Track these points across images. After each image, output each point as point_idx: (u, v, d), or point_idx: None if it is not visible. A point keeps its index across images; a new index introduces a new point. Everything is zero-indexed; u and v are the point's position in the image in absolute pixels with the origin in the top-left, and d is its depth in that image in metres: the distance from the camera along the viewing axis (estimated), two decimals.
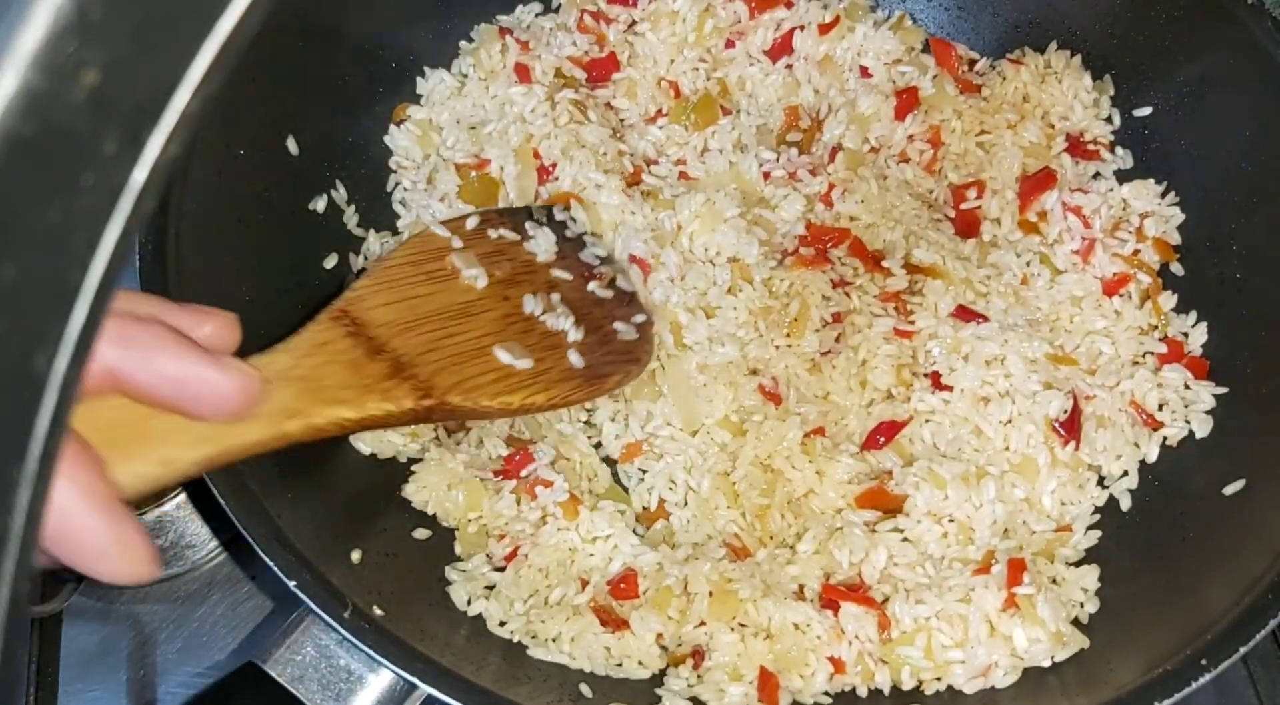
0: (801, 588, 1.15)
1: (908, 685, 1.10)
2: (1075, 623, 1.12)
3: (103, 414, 0.71)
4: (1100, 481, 1.23)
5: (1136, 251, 1.32)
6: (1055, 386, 1.21)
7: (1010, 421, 1.21)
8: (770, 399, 1.25)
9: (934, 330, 1.26)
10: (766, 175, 1.38)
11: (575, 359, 1.19)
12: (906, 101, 1.40)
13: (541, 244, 1.27)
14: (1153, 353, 1.28)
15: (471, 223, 1.26)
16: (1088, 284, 1.31)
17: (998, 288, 1.29)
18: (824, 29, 1.44)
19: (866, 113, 1.40)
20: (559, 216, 1.34)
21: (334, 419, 0.96)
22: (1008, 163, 1.37)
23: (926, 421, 1.24)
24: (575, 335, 1.21)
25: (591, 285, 1.27)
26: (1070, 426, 1.20)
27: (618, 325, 1.25)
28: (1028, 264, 1.32)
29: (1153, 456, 1.23)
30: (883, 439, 1.22)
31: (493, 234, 1.26)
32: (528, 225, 1.29)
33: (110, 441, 0.68)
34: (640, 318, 1.28)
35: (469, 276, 1.19)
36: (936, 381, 1.24)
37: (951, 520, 1.17)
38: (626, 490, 1.24)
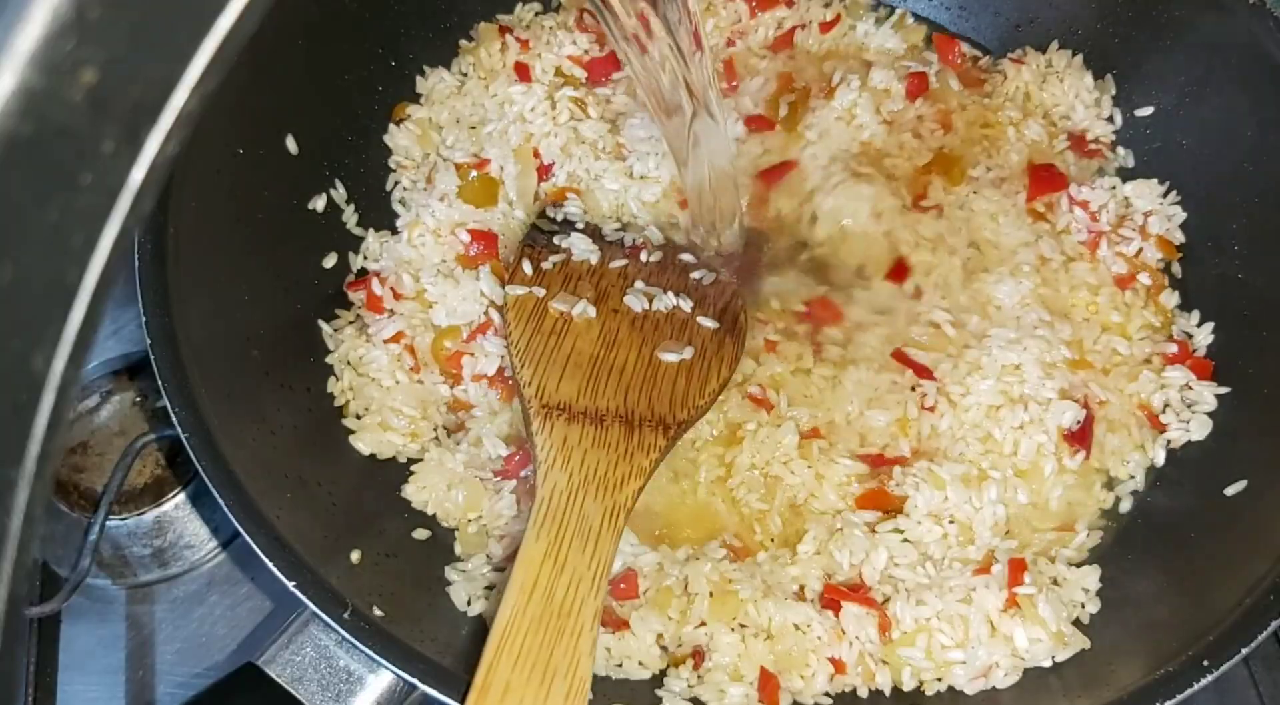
0: (802, 588, 1.15)
1: (908, 686, 1.10)
2: (1076, 623, 1.12)
3: None
4: (1109, 484, 1.23)
5: (1139, 250, 1.32)
6: (1070, 395, 1.20)
7: (1021, 428, 1.20)
8: (760, 405, 1.24)
9: (936, 328, 1.25)
10: None
11: (707, 322, 1.24)
12: (917, 85, 1.39)
13: (582, 247, 1.29)
14: (1161, 354, 1.27)
15: (527, 268, 1.27)
16: (1101, 274, 1.30)
17: (1006, 276, 1.28)
18: (825, 27, 1.44)
19: (879, 86, 1.38)
20: (559, 216, 1.34)
21: (632, 494, 1.05)
22: (1014, 154, 1.36)
23: (931, 423, 1.23)
24: (686, 305, 1.25)
25: (643, 255, 1.30)
26: (1082, 437, 1.19)
27: (695, 274, 1.29)
28: (1039, 252, 1.31)
29: (1160, 459, 1.22)
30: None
31: (546, 265, 1.27)
32: (556, 238, 1.30)
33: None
34: (695, 259, 1.31)
35: (579, 313, 1.23)
36: (931, 378, 1.24)
37: (952, 521, 1.17)
38: None
